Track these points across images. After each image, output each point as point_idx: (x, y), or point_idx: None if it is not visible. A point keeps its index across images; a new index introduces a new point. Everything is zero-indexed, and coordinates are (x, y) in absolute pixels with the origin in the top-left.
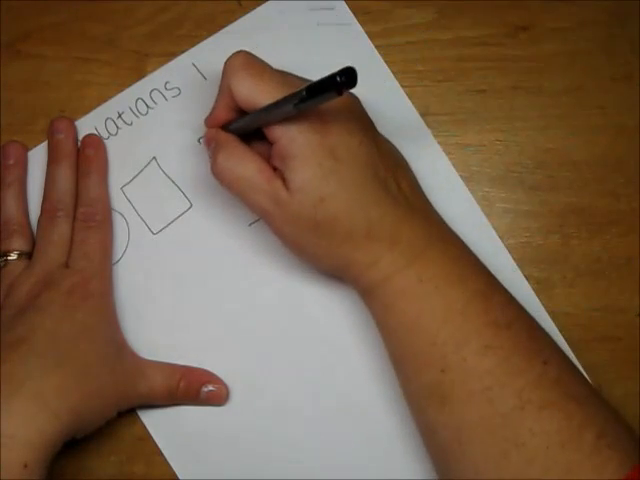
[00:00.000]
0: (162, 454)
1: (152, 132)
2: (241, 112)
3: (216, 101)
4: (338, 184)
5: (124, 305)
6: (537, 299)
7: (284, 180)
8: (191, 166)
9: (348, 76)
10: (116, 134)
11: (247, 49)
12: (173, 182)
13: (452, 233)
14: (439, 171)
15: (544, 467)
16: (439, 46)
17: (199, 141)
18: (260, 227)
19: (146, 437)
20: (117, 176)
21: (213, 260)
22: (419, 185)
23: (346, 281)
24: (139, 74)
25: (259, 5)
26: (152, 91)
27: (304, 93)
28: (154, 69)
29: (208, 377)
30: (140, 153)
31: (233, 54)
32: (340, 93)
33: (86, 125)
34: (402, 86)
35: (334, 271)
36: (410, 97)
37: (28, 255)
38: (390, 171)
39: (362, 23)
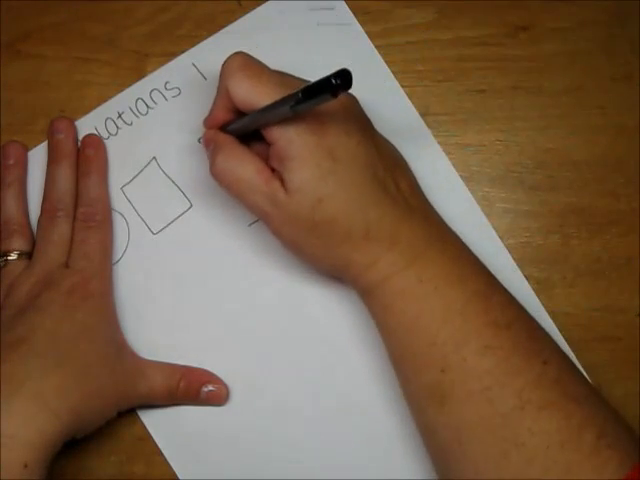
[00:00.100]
0: (162, 454)
1: (152, 132)
2: (239, 113)
3: (214, 102)
4: (336, 185)
5: (124, 305)
6: (537, 299)
7: (282, 181)
8: (191, 166)
9: (343, 78)
10: (116, 134)
11: (247, 49)
12: (173, 182)
13: (452, 233)
14: (439, 171)
15: (544, 467)
16: (439, 46)
17: (199, 141)
18: (260, 227)
19: (146, 437)
20: (117, 176)
21: (213, 260)
22: (418, 185)
23: (345, 281)
24: (139, 74)
25: (259, 5)
26: (152, 91)
27: (300, 95)
28: (154, 69)
29: (208, 377)
30: (140, 153)
31: (230, 55)
32: (335, 95)
33: (86, 125)
34: (402, 86)
35: (333, 272)
36: (410, 97)
37: (28, 255)
38: (389, 171)
39: (362, 23)
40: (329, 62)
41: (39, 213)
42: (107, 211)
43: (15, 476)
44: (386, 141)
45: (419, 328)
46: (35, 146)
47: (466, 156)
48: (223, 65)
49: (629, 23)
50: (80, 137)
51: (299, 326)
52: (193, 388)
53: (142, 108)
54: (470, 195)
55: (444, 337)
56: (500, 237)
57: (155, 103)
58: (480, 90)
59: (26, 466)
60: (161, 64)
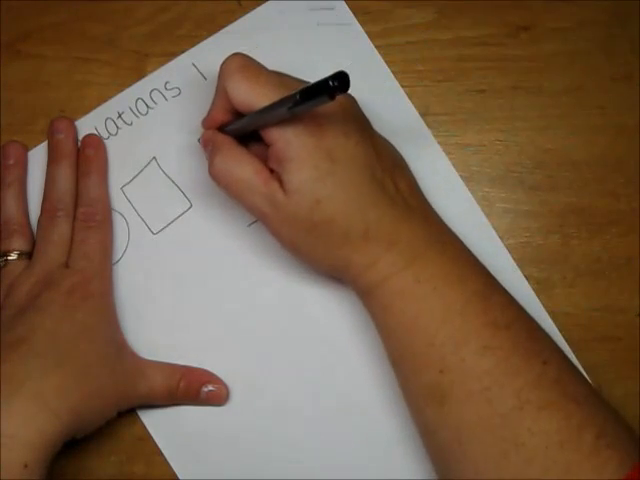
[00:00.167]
0: (162, 454)
1: (152, 132)
2: (238, 114)
3: (213, 103)
4: (335, 186)
5: (124, 305)
6: (537, 299)
7: (281, 182)
8: (191, 166)
9: (341, 80)
10: (116, 134)
11: (247, 49)
12: (173, 182)
13: (451, 233)
14: (439, 171)
15: (543, 467)
16: (439, 46)
17: (199, 141)
18: (259, 227)
19: (146, 437)
20: (117, 176)
21: (213, 260)
22: (418, 185)
23: (345, 282)
24: (139, 74)
25: (259, 5)
26: (152, 91)
27: (297, 97)
28: (154, 69)
29: (208, 377)
30: (140, 153)
31: (229, 56)
32: (333, 97)
33: (86, 125)
34: (402, 86)
35: (333, 272)
36: (410, 97)
37: (28, 255)
38: (388, 171)
39: (362, 23)
40: (329, 62)
41: (39, 213)
42: (107, 211)
43: (15, 476)
44: (385, 141)
45: (418, 328)
46: (35, 146)
47: (466, 156)
48: (221, 66)
49: (629, 23)
50: (80, 137)
51: (299, 326)
52: (193, 388)
53: (142, 108)
54: (470, 195)
55: (443, 337)
56: (500, 237)
57: (155, 103)
58: (480, 90)
59: (26, 466)
60: (161, 64)
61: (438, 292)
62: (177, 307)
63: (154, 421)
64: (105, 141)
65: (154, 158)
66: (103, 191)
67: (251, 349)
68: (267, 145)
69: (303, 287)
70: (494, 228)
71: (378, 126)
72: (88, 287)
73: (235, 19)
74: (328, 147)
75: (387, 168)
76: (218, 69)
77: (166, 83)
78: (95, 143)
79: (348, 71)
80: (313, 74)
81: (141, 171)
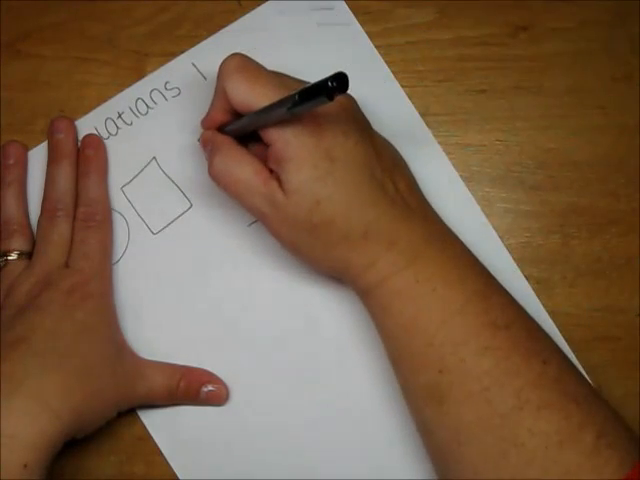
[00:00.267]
0: (162, 454)
1: (152, 132)
2: (237, 114)
3: (212, 103)
4: (334, 186)
5: (124, 305)
6: (537, 299)
7: (280, 182)
8: (191, 166)
9: (340, 81)
10: (116, 134)
11: (247, 49)
12: (173, 182)
13: (451, 233)
14: (439, 171)
15: (543, 467)
16: (439, 46)
17: (199, 141)
18: (259, 227)
19: (146, 437)
20: (117, 176)
21: (213, 260)
22: (417, 185)
23: (345, 282)
24: (139, 74)
25: (259, 5)
26: (152, 91)
27: (296, 97)
28: (154, 69)
29: (208, 377)
30: (140, 153)
31: (228, 57)
32: (331, 98)
33: (86, 125)
34: (402, 86)
35: (332, 272)
36: (410, 97)
37: (28, 255)
38: (387, 171)
39: (362, 23)
40: (329, 62)
41: (39, 213)
42: (107, 211)
43: (15, 476)
44: (385, 141)
45: (417, 328)
46: (35, 146)
47: (466, 156)
48: (220, 66)
49: (630, 23)
50: (80, 137)
51: (299, 326)
52: (193, 388)
53: (142, 108)
54: (470, 195)
55: (442, 337)
56: (500, 237)
57: (155, 103)
58: (480, 90)
59: (26, 466)
60: (161, 64)
61: (437, 292)
62: (177, 307)
63: (154, 421)
64: (105, 141)
65: (154, 158)
66: (103, 191)
67: (251, 349)
68: (266, 145)
69: (303, 287)
70: (494, 228)
71: (378, 126)
72: (88, 287)
73: (235, 19)
74: (327, 147)
75: (387, 168)
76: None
77: (166, 83)
78: (95, 143)
79: (348, 71)
80: (313, 74)
81: (141, 171)
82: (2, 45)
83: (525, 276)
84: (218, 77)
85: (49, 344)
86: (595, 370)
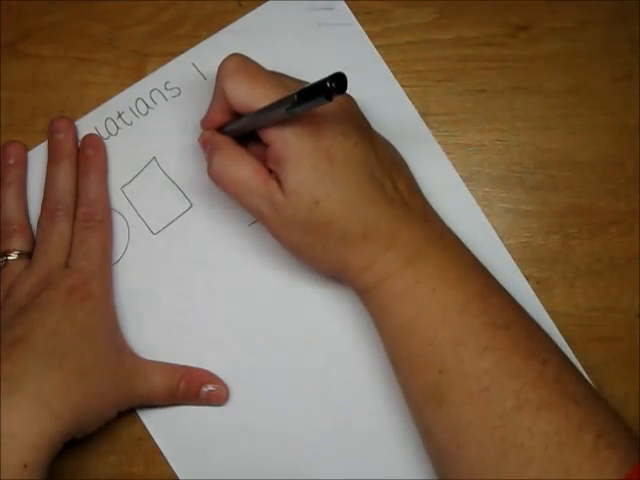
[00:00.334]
0: (162, 454)
1: (152, 132)
2: (236, 114)
3: (211, 104)
4: (333, 186)
5: (124, 305)
6: (537, 299)
7: (279, 182)
8: (191, 166)
9: (338, 82)
10: (116, 134)
11: (247, 49)
12: (173, 182)
13: (450, 233)
14: (439, 171)
15: (543, 467)
16: (439, 46)
17: (199, 141)
18: (260, 227)
19: (146, 437)
20: (117, 176)
21: (213, 260)
22: (417, 185)
23: (344, 282)
24: (139, 74)
25: (259, 5)
26: (152, 91)
27: (295, 98)
28: (154, 69)
29: (208, 377)
30: (140, 153)
31: (227, 57)
32: (330, 99)
33: (86, 125)
34: (402, 86)
35: (332, 273)
36: (410, 97)
37: (28, 255)
38: (387, 171)
39: (362, 23)
40: (329, 62)
41: (39, 213)
42: (107, 211)
43: (15, 476)
44: (385, 141)
45: (416, 329)
46: (35, 146)
47: (466, 156)
48: (219, 67)
49: (630, 23)
50: (80, 137)
51: (299, 326)
52: (193, 388)
53: (142, 108)
54: (470, 195)
55: (442, 338)
56: (500, 237)
57: (155, 103)
58: (480, 90)
59: (26, 466)
60: (161, 64)
61: (437, 292)
62: (177, 307)
63: (154, 421)
64: (105, 141)
65: (154, 158)
66: (103, 191)
67: (251, 349)
68: (266, 145)
69: (303, 287)
70: (494, 228)
71: (378, 126)
72: (88, 287)
73: (235, 19)
74: (326, 147)
75: (386, 168)
76: None
77: (166, 83)
78: (95, 143)
79: (348, 71)
80: (313, 74)
81: (141, 171)
82: (2, 45)
83: (525, 276)
84: (217, 77)
85: (49, 344)
86: (595, 370)
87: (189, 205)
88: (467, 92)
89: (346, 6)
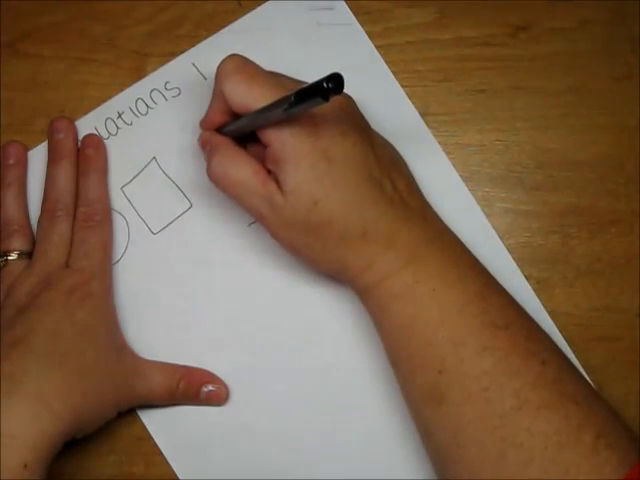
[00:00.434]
0: (162, 454)
1: (152, 132)
2: (235, 115)
3: (210, 104)
4: (332, 186)
5: (124, 305)
6: (537, 299)
7: (278, 183)
8: (191, 166)
9: (335, 82)
10: (116, 134)
11: (247, 49)
12: (173, 182)
13: (450, 233)
14: (439, 171)
15: (542, 468)
16: (439, 46)
17: (198, 141)
18: (260, 227)
19: (146, 437)
20: (117, 176)
21: (213, 260)
22: (417, 185)
23: (344, 282)
24: (139, 74)
25: (259, 5)
26: (152, 91)
27: (292, 98)
28: (154, 69)
29: (208, 377)
30: (140, 153)
31: (225, 58)
32: (327, 99)
33: (86, 125)
34: (402, 86)
35: (331, 273)
36: (410, 97)
37: (28, 255)
38: (386, 171)
39: (362, 23)
40: (329, 62)
41: (39, 213)
42: (107, 211)
43: (15, 476)
44: (384, 141)
45: (416, 329)
46: (35, 146)
47: (466, 156)
48: (218, 67)
49: (630, 23)
50: (80, 137)
51: (299, 326)
52: (193, 388)
53: (142, 108)
54: (470, 195)
55: (441, 338)
56: (500, 237)
57: (155, 103)
58: (480, 90)
59: (26, 466)
60: (161, 64)
61: (436, 292)
62: (177, 307)
63: (154, 421)
64: (105, 141)
65: (154, 158)
66: (103, 191)
67: (251, 349)
68: (265, 146)
69: (303, 287)
70: (494, 228)
71: (378, 126)
72: (88, 287)
73: (235, 19)
74: (325, 147)
75: (385, 168)
76: None
77: (166, 83)
78: (95, 143)
79: (348, 71)
80: (313, 74)
81: (141, 171)
82: (2, 45)
83: (525, 276)
84: (216, 78)
85: (49, 344)
86: (595, 370)
87: (189, 205)
88: (467, 92)
89: (346, 6)
